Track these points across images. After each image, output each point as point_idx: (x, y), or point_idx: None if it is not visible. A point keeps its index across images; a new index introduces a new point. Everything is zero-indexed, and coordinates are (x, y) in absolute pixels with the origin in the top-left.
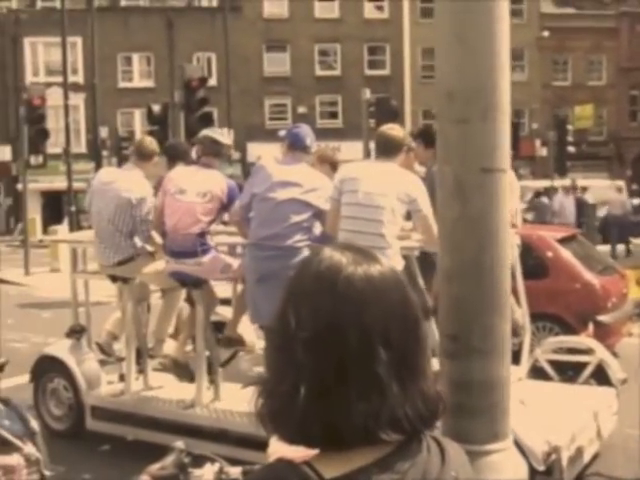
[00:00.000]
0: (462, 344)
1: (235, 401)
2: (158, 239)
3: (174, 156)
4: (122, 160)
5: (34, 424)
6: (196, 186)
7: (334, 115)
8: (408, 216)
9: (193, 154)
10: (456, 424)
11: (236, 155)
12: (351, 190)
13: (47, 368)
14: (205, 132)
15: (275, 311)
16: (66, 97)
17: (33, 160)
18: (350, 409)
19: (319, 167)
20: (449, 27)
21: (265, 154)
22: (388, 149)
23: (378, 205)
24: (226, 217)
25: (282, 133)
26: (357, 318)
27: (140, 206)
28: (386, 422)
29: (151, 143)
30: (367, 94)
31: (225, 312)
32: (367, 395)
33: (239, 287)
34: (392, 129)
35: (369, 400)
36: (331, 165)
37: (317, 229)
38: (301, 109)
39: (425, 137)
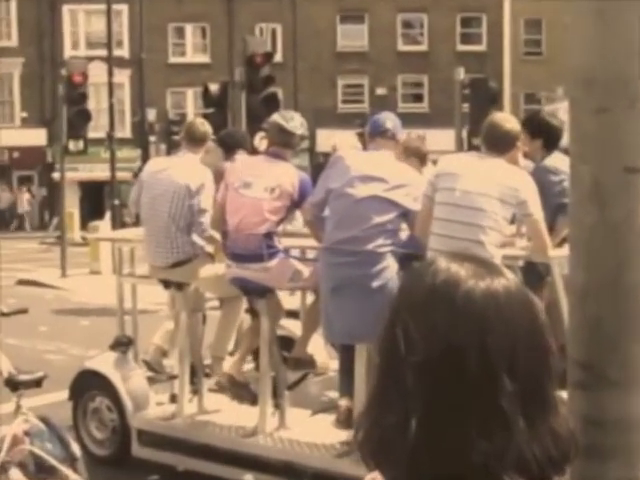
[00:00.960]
0: (595, 374)
1: (303, 430)
2: (218, 238)
3: (231, 145)
4: (172, 147)
5: (75, 448)
6: (263, 180)
7: (419, 98)
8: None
9: (256, 141)
10: (585, 467)
11: (303, 143)
12: (447, 188)
13: (88, 385)
14: (274, 118)
15: (379, 329)
16: (110, 73)
17: (72, 145)
18: (469, 447)
19: (404, 160)
20: None
21: (342, 143)
22: (501, 144)
23: (479, 207)
24: (298, 217)
25: (359, 122)
26: (478, 340)
27: (199, 194)
28: (511, 463)
29: (202, 125)
30: (460, 74)
31: (292, 326)
32: (489, 431)
33: (310, 298)
34: (508, 121)
35: (491, 437)
36: (419, 157)
37: (404, 232)
38: (380, 90)
39: (531, 126)
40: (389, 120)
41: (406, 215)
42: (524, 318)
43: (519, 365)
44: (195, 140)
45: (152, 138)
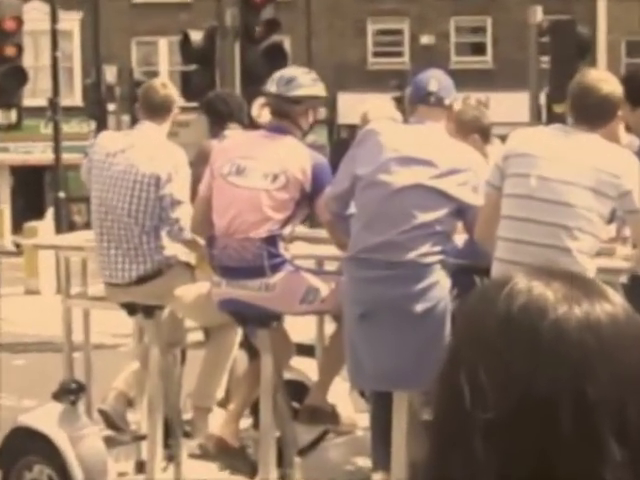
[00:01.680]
0: None
1: None
2: (200, 243)
3: (220, 115)
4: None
5: None
6: (263, 163)
7: (479, 49)
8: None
9: (254, 110)
10: None
11: (320, 112)
12: (520, 174)
13: (23, 448)
14: (279, 76)
15: (430, 373)
16: (54, 18)
17: (1, 117)
18: None
19: (460, 137)
20: None
21: (373, 112)
22: (595, 114)
23: (564, 201)
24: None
25: (396, 83)
26: (574, 390)
27: (171, 182)
28: None
29: (164, 87)
30: (536, 15)
31: (306, 367)
32: None
33: (330, 327)
34: (605, 81)
35: None
36: (480, 132)
37: (459, 236)
38: (425, 39)
39: (634, 87)
40: (436, 80)
41: (462, 212)
42: (638, 358)
43: (631, 425)
44: (154, 108)
45: (111, 106)
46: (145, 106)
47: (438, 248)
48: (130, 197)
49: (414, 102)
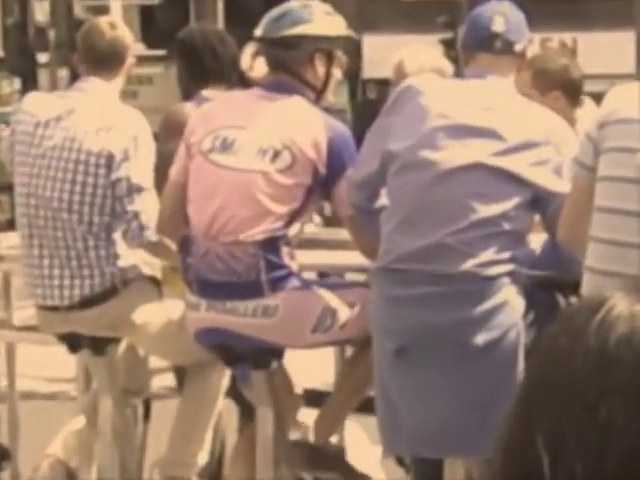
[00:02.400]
0: None
1: None
2: (171, 248)
3: (202, 68)
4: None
5: None
6: (259, 134)
7: None
8: None
9: (244, 61)
10: None
11: (341, 62)
12: (621, 148)
13: None
14: (277, 12)
15: (494, 431)
16: None
17: None
18: None
19: (535, 95)
20: None
21: (412, 61)
22: None
23: None
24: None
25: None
26: None
27: (129, 165)
28: None
29: (112, 28)
30: None
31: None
32: None
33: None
34: None
35: None
36: (566, 90)
37: (535, 237)
38: None
39: None
40: (502, 17)
41: (540, 202)
42: None
43: None
44: (99, 59)
45: (43, 57)
46: (87, 56)
47: (506, 254)
48: (70, 184)
49: (472, 48)
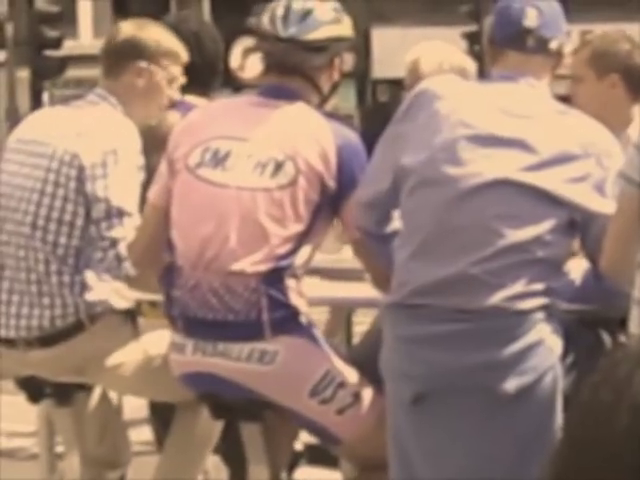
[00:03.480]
0: None
1: None
2: (154, 282)
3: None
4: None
5: None
6: (256, 146)
7: None
8: None
9: (234, 59)
10: None
11: (347, 60)
12: None
13: None
14: (274, 4)
15: None
16: None
17: None
18: None
19: (589, 81)
20: None
21: (429, 60)
22: None
23: None
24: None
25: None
26: None
27: (108, 181)
28: None
29: (135, 28)
30: None
31: None
32: None
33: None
34: None
35: None
36: (626, 79)
37: (574, 265)
38: None
39: None
40: (536, 10)
41: (580, 225)
42: None
43: None
44: (110, 63)
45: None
46: (104, 60)
47: (540, 286)
48: (39, 195)
49: (500, 44)
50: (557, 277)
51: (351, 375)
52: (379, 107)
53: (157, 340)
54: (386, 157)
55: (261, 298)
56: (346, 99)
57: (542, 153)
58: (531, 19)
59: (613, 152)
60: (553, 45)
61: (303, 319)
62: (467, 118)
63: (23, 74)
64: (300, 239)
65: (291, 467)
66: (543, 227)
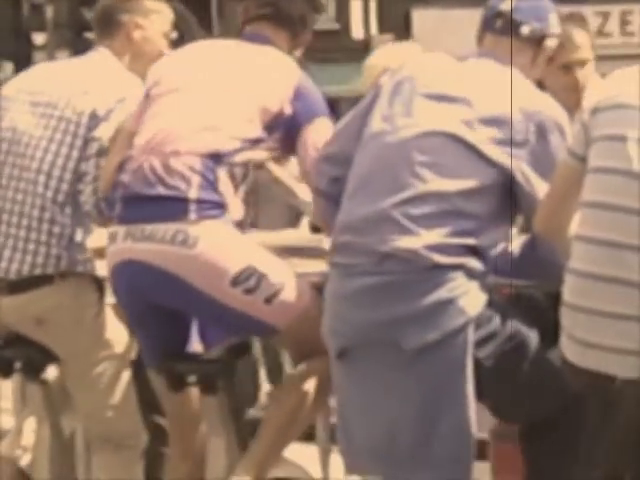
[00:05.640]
0: None
1: None
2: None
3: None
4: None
5: None
6: (215, 77)
7: None
8: None
9: None
10: None
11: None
12: (611, 136)
13: None
14: None
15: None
16: None
17: None
18: None
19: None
20: None
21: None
22: None
23: None
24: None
25: None
26: None
27: (109, 126)
28: None
29: None
30: None
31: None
32: None
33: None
34: None
35: None
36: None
37: (496, 232)
38: None
39: None
40: None
41: (514, 193)
42: None
43: None
44: (106, 23)
45: (38, 38)
46: (97, 20)
47: (461, 242)
48: (47, 142)
49: (481, 26)
50: (482, 237)
51: (276, 266)
52: None
53: (117, 335)
54: (351, 116)
55: (194, 176)
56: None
57: (481, 112)
58: (507, 3)
59: (558, 126)
60: (524, 30)
61: (227, 213)
62: (427, 82)
63: (63, 56)
64: (246, 144)
65: None
66: (470, 182)
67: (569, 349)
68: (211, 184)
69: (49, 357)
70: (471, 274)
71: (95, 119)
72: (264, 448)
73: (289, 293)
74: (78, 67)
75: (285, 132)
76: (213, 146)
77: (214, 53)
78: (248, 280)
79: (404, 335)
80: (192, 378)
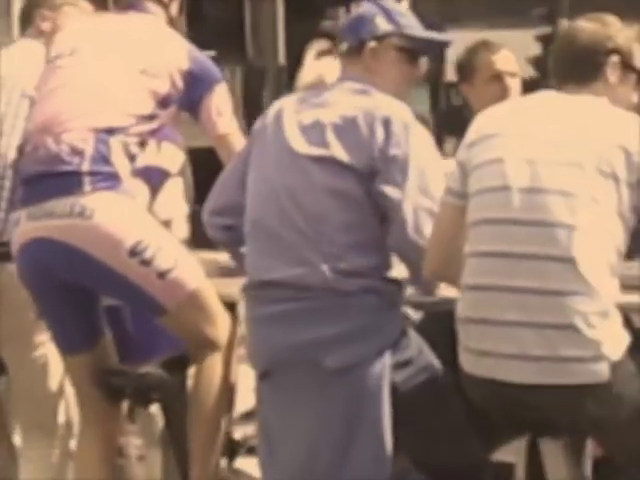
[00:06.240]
0: None
1: None
2: None
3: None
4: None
5: None
6: (109, 41)
7: None
8: None
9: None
10: None
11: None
12: (490, 160)
13: None
14: None
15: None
16: None
17: None
18: None
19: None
20: None
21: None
22: (580, 66)
23: (559, 189)
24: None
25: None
26: None
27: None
28: None
29: None
30: None
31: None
32: None
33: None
34: (595, 20)
35: None
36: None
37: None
38: None
39: None
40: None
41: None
42: None
43: None
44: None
45: None
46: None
47: (360, 265)
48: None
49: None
50: (379, 255)
51: (170, 241)
52: (453, 110)
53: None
54: (237, 167)
55: (87, 149)
56: (420, 102)
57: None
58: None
59: (405, 128)
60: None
61: (122, 183)
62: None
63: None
64: (139, 120)
65: (231, 457)
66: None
67: (464, 361)
68: (103, 157)
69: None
70: (381, 295)
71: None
72: (203, 462)
73: (182, 273)
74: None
75: (180, 105)
76: (106, 122)
77: (105, 25)
78: (145, 252)
79: (325, 356)
80: (128, 391)
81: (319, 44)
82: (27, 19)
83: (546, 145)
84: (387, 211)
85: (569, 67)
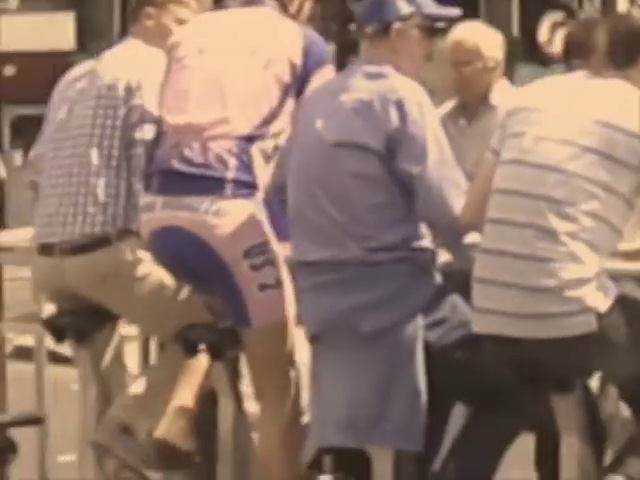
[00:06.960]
0: None
1: None
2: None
3: None
4: None
5: None
6: (233, 40)
7: None
8: None
9: (542, 35)
10: None
11: None
12: (516, 133)
13: None
14: None
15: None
16: None
17: None
18: None
19: None
20: None
21: None
22: (626, 51)
23: (554, 166)
24: None
25: None
26: None
27: (143, 94)
28: None
29: None
30: None
31: None
32: None
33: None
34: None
35: None
36: None
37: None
38: None
39: None
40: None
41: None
42: None
43: None
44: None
45: None
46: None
47: (393, 239)
48: (92, 116)
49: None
50: (408, 228)
51: (281, 262)
52: None
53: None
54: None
55: (231, 158)
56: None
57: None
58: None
59: (420, 109)
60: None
61: (259, 194)
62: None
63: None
64: (272, 114)
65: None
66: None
67: (473, 320)
68: (246, 166)
69: (97, 324)
70: (415, 264)
71: (128, 89)
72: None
73: (280, 296)
74: (115, 53)
75: (297, 92)
76: (246, 129)
77: (227, 21)
78: (258, 257)
79: (360, 321)
80: (202, 345)
81: (551, 18)
82: (134, 16)
83: (557, 121)
84: (411, 187)
85: (615, 51)
